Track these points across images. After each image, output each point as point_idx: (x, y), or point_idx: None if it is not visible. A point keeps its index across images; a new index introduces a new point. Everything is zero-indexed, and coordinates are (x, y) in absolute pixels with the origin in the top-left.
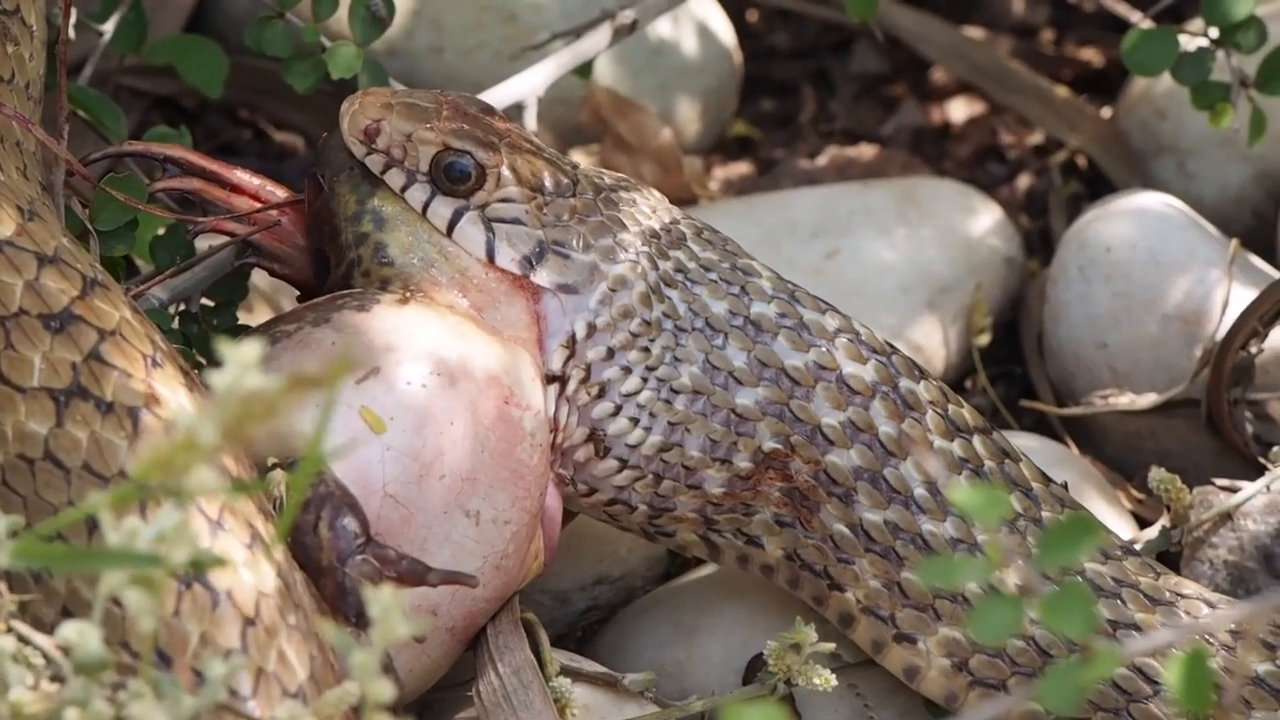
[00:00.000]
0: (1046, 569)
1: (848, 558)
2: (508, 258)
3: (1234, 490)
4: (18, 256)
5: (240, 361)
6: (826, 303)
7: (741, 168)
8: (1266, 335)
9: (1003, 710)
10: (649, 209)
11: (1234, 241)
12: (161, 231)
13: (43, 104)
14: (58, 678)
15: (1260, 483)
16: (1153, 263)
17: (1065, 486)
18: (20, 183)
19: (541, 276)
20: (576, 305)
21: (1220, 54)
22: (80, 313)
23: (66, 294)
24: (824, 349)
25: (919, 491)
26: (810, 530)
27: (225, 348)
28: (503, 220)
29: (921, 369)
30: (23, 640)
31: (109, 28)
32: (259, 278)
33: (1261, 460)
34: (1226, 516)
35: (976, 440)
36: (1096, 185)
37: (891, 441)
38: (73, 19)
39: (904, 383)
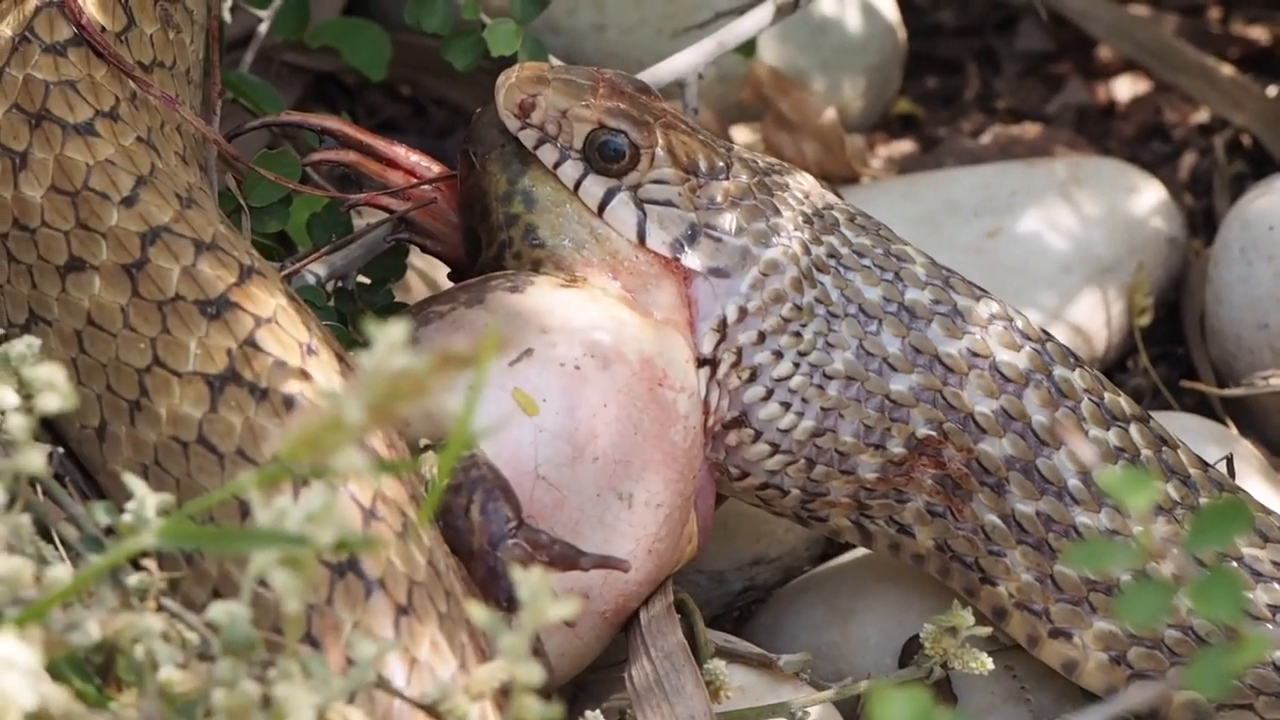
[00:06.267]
0: (1198, 552)
1: (999, 549)
2: (659, 240)
3: None
4: (176, 243)
5: (388, 340)
6: (981, 289)
7: (904, 146)
8: None
9: (1156, 696)
10: (803, 193)
11: None
12: (319, 209)
13: (202, 87)
14: (206, 656)
15: None
16: None
17: (1230, 459)
18: (179, 169)
19: (692, 259)
20: (728, 289)
21: None
22: (237, 299)
23: (223, 280)
24: (978, 336)
25: (1072, 482)
26: (961, 521)
27: (372, 327)
28: (655, 201)
29: (1077, 357)
30: (173, 617)
31: (268, 13)
32: (417, 256)
33: None
34: None
35: (1133, 429)
36: (1261, 164)
37: (1044, 430)
38: (229, 2)
39: (1058, 370)
